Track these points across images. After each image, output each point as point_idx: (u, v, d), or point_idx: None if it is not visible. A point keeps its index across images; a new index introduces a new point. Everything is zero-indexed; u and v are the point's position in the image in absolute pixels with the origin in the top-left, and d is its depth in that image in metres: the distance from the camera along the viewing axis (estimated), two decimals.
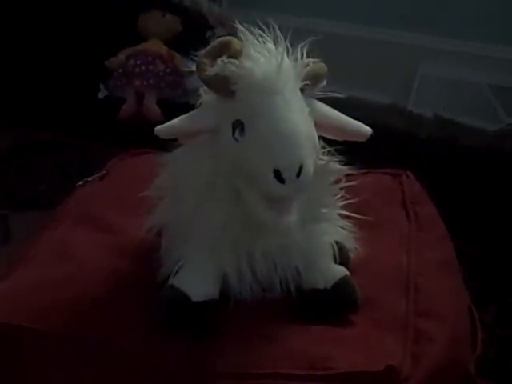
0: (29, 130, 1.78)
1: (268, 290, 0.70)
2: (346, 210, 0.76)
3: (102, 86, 1.92)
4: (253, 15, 0.68)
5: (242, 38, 0.67)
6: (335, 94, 0.69)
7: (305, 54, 0.68)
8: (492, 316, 1.20)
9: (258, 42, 0.67)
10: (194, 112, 0.68)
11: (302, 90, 0.66)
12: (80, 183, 0.94)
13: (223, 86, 0.64)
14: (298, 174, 0.62)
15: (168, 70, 1.92)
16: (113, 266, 0.76)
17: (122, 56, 1.93)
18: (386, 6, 2.08)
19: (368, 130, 0.71)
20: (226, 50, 0.65)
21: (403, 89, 2.03)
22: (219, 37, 0.66)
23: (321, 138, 0.70)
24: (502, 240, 1.42)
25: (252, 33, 0.67)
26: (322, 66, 0.68)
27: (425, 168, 1.14)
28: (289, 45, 0.68)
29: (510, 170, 1.66)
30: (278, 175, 0.61)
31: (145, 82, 1.90)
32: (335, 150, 0.73)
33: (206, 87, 0.67)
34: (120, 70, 1.93)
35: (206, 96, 0.68)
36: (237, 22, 0.68)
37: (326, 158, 0.72)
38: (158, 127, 0.66)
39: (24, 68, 1.91)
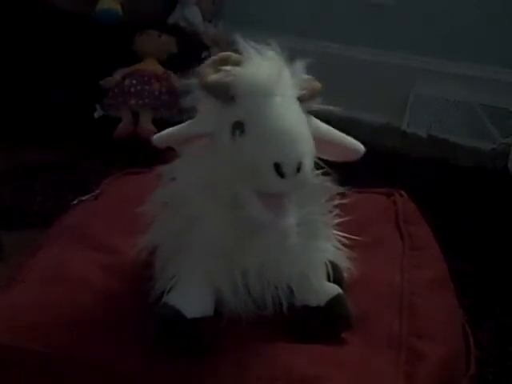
0: (24, 150, 1.79)
1: (262, 308, 0.70)
2: (341, 230, 0.76)
3: (97, 106, 1.93)
4: (249, 36, 0.68)
5: (243, 52, 0.67)
6: (331, 108, 0.69)
7: (302, 69, 0.68)
8: (488, 335, 1.19)
9: (258, 55, 0.68)
10: (191, 120, 0.69)
11: (299, 99, 0.67)
12: (74, 202, 0.94)
13: (223, 92, 0.65)
14: (298, 169, 0.62)
15: (163, 89, 1.93)
16: (107, 285, 0.76)
17: (117, 76, 1.95)
18: (383, 28, 2.10)
19: (361, 148, 0.71)
20: (225, 63, 0.66)
21: (397, 109, 2.04)
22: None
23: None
24: (496, 258, 1.42)
25: (252, 48, 0.68)
26: (317, 83, 0.69)
27: (419, 187, 1.14)
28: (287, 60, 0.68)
29: (503, 188, 1.67)
30: (279, 169, 0.61)
31: (140, 102, 1.90)
32: (330, 168, 0.73)
33: (204, 95, 0.67)
34: (116, 90, 1.94)
35: (203, 105, 0.69)
36: (237, 39, 0.68)
37: (320, 177, 0.72)
38: (156, 136, 0.67)
39: (19, 89, 1.92)
